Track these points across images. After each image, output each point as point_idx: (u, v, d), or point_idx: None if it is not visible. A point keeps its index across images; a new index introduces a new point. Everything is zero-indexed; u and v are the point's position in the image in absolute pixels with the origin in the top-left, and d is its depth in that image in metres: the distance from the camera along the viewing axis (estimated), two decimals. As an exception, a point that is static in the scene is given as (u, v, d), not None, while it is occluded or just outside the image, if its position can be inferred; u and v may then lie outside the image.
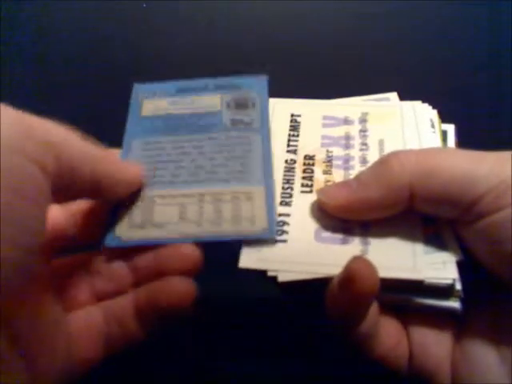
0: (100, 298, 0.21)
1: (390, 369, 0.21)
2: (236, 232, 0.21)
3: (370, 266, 0.18)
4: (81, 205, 0.23)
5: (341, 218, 0.21)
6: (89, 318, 0.20)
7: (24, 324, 0.17)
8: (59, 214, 0.23)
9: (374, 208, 0.20)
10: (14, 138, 0.16)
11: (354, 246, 0.21)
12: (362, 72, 0.39)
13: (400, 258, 0.20)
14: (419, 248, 0.20)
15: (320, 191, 0.22)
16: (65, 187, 0.18)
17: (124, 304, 0.21)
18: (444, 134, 0.26)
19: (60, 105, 0.37)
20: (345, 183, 0.22)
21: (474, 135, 0.29)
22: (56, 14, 0.43)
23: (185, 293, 0.20)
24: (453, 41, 0.40)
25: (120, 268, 0.21)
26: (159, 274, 0.20)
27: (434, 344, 0.21)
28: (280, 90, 0.28)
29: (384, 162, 0.20)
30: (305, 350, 0.28)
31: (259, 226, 0.21)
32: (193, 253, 0.20)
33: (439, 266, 0.20)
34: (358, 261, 0.18)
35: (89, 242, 0.22)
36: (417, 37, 0.40)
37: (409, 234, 0.21)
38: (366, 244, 0.21)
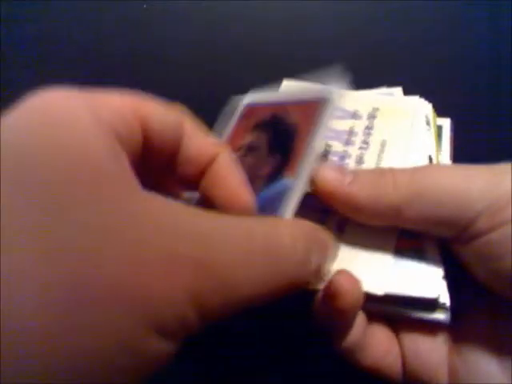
0: None
1: (383, 377, 0.21)
2: None
3: (353, 281, 0.18)
4: None
5: (320, 203, 0.21)
6: None
7: None
8: None
9: (354, 210, 0.20)
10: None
11: None
12: (362, 72, 0.39)
13: (364, 270, 0.20)
14: (387, 262, 0.20)
15: (316, 170, 0.21)
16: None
17: None
18: (439, 128, 0.25)
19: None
20: (342, 172, 0.21)
21: (474, 137, 0.29)
22: (56, 13, 0.43)
23: None
24: (453, 41, 0.40)
25: None
26: None
27: (428, 351, 0.21)
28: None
29: (382, 175, 0.20)
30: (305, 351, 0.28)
31: None
32: None
33: (423, 281, 0.19)
34: (342, 275, 0.18)
35: None
36: (417, 37, 0.40)
37: (381, 246, 0.21)
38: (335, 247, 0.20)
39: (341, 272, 0.19)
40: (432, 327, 0.21)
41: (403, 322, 0.21)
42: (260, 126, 0.23)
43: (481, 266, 0.19)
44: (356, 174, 0.21)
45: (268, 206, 0.19)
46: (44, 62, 0.40)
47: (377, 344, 0.21)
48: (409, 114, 0.25)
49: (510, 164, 0.19)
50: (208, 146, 0.18)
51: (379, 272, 0.20)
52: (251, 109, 0.24)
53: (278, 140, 0.22)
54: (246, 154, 0.22)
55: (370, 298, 0.19)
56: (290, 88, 0.26)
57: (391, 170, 0.20)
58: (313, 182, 0.21)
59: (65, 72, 0.40)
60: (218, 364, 0.28)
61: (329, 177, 0.21)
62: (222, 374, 0.28)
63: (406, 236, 0.21)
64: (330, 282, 0.18)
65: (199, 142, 0.18)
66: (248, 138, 0.23)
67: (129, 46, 0.41)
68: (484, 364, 0.20)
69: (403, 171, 0.20)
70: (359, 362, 0.21)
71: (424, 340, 0.21)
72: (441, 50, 0.39)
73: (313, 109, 0.22)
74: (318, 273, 0.18)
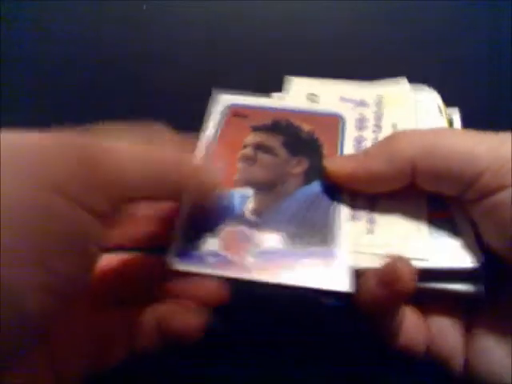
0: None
1: (408, 356, 0.21)
2: None
3: (411, 266, 0.19)
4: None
5: (346, 189, 0.22)
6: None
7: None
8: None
9: (378, 179, 0.21)
10: (58, 177, 0.15)
11: (361, 224, 0.21)
12: (362, 72, 0.39)
13: (401, 245, 0.20)
14: (424, 234, 0.21)
15: (327, 160, 0.23)
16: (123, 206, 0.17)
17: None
18: (450, 121, 0.26)
19: (60, 105, 0.37)
20: (352, 155, 0.23)
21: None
22: (56, 14, 0.43)
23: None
24: (453, 41, 0.40)
25: None
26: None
27: (450, 331, 0.21)
28: (279, 90, 0.29)
29: (391, 137, 0.21)
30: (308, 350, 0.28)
31: None
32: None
33: (460, 251, 0.20)
34: (401, 261, 0.19)
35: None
36: (417, 37, 0.40)
37: (414, 216, 0.21)
38: (372, 223, 0.21)
39: (399, 257, 0.19)
40: (454, 308, 0.21)
41: (430, 303, 0.22)
42: (262, 129, 0.25)
43: (491, 231, 0.19)
44: (365, 149, 0.23)
45: (315, 199, 0.22)
46: (44, 62, 0.40)
47: (410, 325, 0.21)
48: (410, 100, 0.26)
49: None
50: None
51: (417, 245, 0.20)
52: (240, 110, 0.26)
53: (298, 144, 0.24)
54: (255, 152, 0.24)
55: None
56: (290, 95, 0.28)
57: (401, 131, 0.22)
58: (331, 172, 0.22)
59: (65, 72, 0.40)
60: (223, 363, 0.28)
61: (344, 161, 0.22)
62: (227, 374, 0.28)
63: (435, 208, 0.21)
64: (390, 266, 0.19)
65: None
66: (252, 138, 0.24)
67: (129, 46, 0.41)
68: (491, 347, 0.20)
69: (414, 130, 0.22)
70: (394, 342, 0.21)
71: (447, 320, 0.21)
72: (441, 50, 0.39)
73: (327, 122, 0.25)
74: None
